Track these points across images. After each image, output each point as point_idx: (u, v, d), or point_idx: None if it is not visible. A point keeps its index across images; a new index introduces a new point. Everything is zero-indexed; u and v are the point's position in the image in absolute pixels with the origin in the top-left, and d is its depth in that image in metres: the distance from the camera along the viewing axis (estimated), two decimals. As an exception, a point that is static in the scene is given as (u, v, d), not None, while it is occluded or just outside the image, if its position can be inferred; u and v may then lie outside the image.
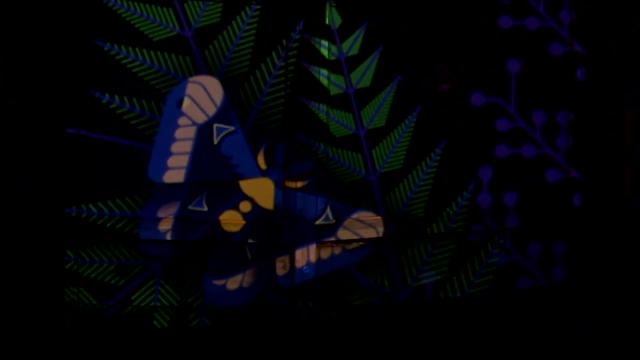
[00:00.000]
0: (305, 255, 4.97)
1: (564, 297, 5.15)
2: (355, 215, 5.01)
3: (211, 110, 4.89)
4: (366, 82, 5.01)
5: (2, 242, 4.86)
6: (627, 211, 5.23)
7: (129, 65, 4.82)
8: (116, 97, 4.83)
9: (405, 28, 5.03)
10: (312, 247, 4.97)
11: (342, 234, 5.01)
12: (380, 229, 5.02)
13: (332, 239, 4.99)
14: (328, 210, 4.98)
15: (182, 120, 4.88)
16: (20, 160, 4.88)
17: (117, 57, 4.82)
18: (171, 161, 4.88)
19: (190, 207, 4.89)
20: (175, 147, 4.88)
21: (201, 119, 4.89)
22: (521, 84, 5.10)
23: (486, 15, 5.09)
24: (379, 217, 5.02)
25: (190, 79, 4.87)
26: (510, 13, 5.09)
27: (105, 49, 4.81)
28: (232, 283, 4.96)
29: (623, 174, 5.25)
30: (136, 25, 4.82)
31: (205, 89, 4.87)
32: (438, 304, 5.09)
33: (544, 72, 5.12)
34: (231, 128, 4.90)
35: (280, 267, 4.97)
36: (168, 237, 4.89)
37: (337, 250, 5.02)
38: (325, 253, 5.00)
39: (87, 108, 4.84)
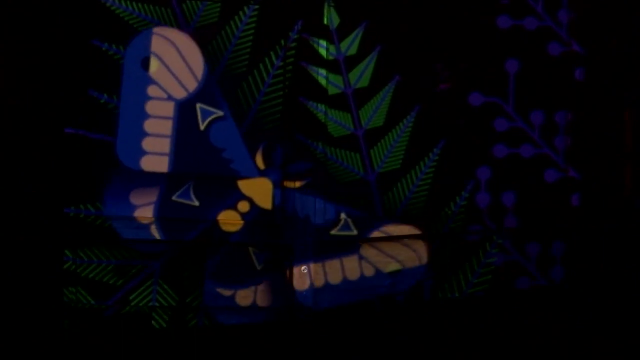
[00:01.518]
0: (322, 273, 4.96)
1: (564, 297, 5.13)
2: (384, 229, 4.91)
3: (191, 84, 4.69)
4: (364, 81, 5.01)
5: (2, 242, 4.87)
6: (627, 211, 5.21)
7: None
8: (114, 97, 4.85)
9: (403, 28, 5.04)
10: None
11: (368, 251, 4.94)
12: (422, 250, 4.97)
13: (355, 255, 4.94)
14: (345, 219, 4.94)
15: (153, 90, 4.69)
16: (20, 160, 4.89)
17: (116, 57, 4.83)
18: (147, 143, 4.75)
19: (174, 198, 4.86)
20: (150, 126, 4.72)
21: (179, 93, 4.71)
22: (520, 84, 5.10)
23: (485, 15, 5.09)
24: (418, 232, 4.88)
25: (155, 30, 4.58)
26: (509, 13, 5.09)
27: (104, 48, 4.83)
28: (242, 299, 4.89)
29: (623, 174, 5.23)
30: (134, 25, 4.84)
31: (176, 47, 4.63)
32: (437, 304, 5.08)
33: (543, 72, 5.12)
34: (219, 113, 4.85)
35: (298, 278, 4.90)
36: (156, 235, 4.87)
37: (369, 273, 4.94)
38: (353, 274, 4.92)
39: (86, 108, 4.85)
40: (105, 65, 4.83)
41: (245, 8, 4.91)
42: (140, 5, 4.84)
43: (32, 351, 4.79)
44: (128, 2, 4.84)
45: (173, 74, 4.72)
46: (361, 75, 5.00)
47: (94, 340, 4.88)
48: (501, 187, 5.11)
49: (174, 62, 4.73)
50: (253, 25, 4.92)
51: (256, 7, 4.91)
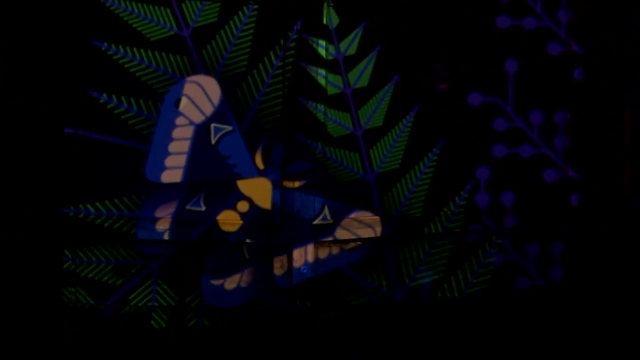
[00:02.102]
0: (303, 255, 4.97)
1: (563, 297, 5.12)
2: (353, 215, 5.01)
3: (209, 110, 4.90)
4: (364, 81, 5.01)
5: (2, 242, 4.88)
6: (626, 211, 5.21)
7: (126, 65, 4.84)
8: (114, 97, 4.85)
9: (403, 28, 5.04)
10: (310, 247, 4.97)
11: (340, 234, 5.01)
12: (378, 229, 5.02)
13: (330, 238, 4.99)
14: (326, 210, 4.98)
15: (179, 120, 4.89)
16: (20, 160, 4.90)
17: (115, 57, 4.84)
18: (169, 161, 4.89)
19: (188, 207, 4.90)
20: (172, 147, 4.89)
21: (199, 118, 4.90)
22: (519, 84, 5.10)
23: (484, 15, 5.09)
24: (376, 217, 5.02)
25: (188, 79, 4.89)
26: (508, 13, 5.09)
27: (103, 48, 4.84)
28: (230, 282, 4.96)
29: (622, 174, 5.23)
30: (134, 25, 4.85)
31: (202, 88, 4.88)
32: (436, 304, 5.07)
33: (542, 71, 5.12)
34: (229, 128, 4.91)
35: (278, 267, 4.97)
36: (166, 237, 4.90)
37: (335, 250, 5.02)
38: (323, 253, 5.00)
39: (86, 108, 4.86)
40: (105, 65, 4.84)
41: (245, 8, 4.92)
42: (139, 5, 4.85)
43: (32, 351, 4.79)
44: (128, 2, 4.85)
45: (196, 106, 4.91)
46: (360, 75, 5.00)
47: (93, 340, 4.88)
48: (500, 187, 5.11)
49: (197, 97, 4.92)
50: (252, 25, 4.92)
51: (255, 7, 4.92)
